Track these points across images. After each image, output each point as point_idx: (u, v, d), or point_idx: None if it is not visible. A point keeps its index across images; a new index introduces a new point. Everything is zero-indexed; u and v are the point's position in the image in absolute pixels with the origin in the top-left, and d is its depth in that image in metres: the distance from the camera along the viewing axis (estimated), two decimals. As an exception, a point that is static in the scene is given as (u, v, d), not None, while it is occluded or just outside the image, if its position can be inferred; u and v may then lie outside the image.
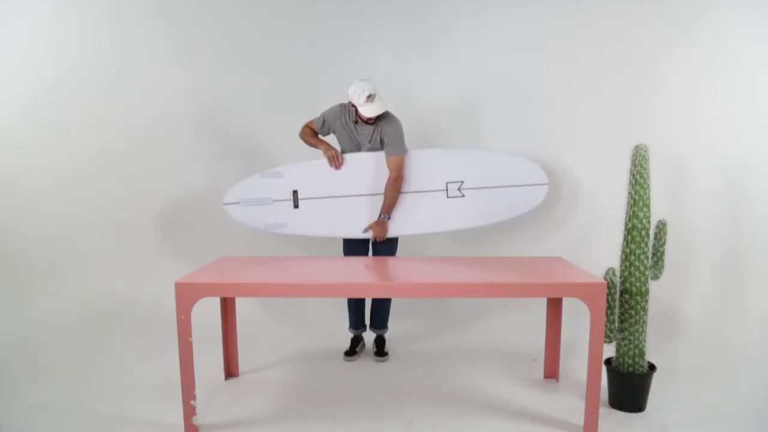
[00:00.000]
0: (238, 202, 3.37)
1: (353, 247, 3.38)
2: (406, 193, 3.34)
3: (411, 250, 3.97)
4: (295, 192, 3.32)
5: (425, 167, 3.37)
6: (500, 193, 3.39)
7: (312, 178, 3.36)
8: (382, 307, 3.43)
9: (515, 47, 4.07)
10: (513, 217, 3.43)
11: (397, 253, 3.41)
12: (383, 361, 3.33)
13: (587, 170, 4.03)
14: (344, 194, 3.34)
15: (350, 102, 3.16)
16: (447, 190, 3.37)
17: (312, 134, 3.36)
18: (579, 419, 2.47)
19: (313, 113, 3.38)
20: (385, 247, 3.33)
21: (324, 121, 3.31)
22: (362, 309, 3.45)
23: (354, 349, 3.38)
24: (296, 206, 3.32)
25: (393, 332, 3.57)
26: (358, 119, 3.22)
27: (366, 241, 3.36)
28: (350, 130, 3.29)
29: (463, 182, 3.37)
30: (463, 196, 3.37)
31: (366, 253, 3.40)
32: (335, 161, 3.28)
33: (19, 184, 4.06)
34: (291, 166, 3.41)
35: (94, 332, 3.69)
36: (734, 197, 3.77)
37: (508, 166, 3.44)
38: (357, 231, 3.31)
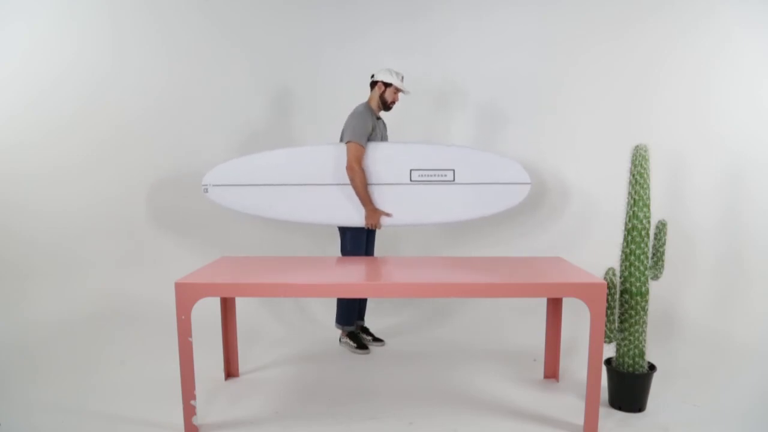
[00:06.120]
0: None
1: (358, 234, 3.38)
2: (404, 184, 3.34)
3: (404, 249, 3.96)
4: None
5: (395, 160, 3.35)
6: (486, 189, 3.39)
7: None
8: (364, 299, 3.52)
9: (515, 48, 4.07)
10: (495, 213, 3.42)
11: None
12: (384, 344, 3.44)
13: (587, 170, 4.04)
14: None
15: (381, 87, 3.24)
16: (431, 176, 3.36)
17: (365, 181, 3.23)
18: (579, 419, 2.47)
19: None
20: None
21: (366, 131, 3.20)
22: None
23: (362, 342, 3.41)
24: None
25: (393, 332, 3.57)
26: (380, 112, 3.33)
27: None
28: (376, 126, 3.32)
29: (454, 170, 3.35)
30: (454, 180, 3.35)
31: (366, 239, 3.41)
32: (374, 227, 3.27)
33: (20, 184, 4.06)
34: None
35: (94, 332, 3.69)
36: (734, 197, 3.77)
37: (495, 164, 3.42)
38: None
